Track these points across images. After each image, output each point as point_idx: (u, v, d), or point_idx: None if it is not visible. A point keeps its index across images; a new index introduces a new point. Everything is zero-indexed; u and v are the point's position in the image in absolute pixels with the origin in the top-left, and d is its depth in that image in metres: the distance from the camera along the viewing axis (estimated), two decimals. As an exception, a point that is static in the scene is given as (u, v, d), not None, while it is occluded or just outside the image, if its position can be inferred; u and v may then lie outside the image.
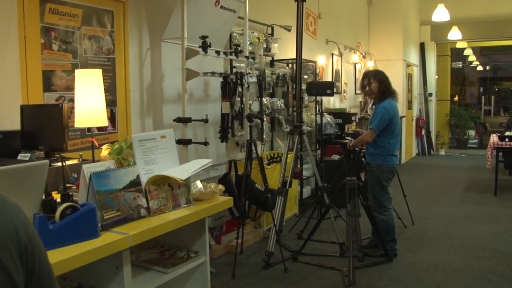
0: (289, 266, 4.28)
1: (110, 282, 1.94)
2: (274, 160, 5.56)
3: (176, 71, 4.17)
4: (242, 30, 5.10)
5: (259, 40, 5.65)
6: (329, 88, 5.76)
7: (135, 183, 2.02)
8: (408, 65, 11.68)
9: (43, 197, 1.87)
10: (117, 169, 2.00)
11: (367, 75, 4.69)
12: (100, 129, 3.66)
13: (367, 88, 4.61)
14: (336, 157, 6.53)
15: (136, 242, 1.86)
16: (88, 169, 1.90)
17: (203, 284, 2.48)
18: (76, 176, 2.34)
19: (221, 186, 2.46)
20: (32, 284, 0.84)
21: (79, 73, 2.70)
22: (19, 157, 2.85)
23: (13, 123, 3.00)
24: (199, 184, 2.40)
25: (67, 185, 2.30)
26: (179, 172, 2.12)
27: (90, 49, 3.74)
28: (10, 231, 0.81)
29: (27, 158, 2.81)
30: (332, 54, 8.63)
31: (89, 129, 3.54)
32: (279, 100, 6.02)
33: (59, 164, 2.60)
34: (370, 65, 10.49)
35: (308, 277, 4.10)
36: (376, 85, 4.53)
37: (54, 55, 3.46)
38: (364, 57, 10.31)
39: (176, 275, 2.29)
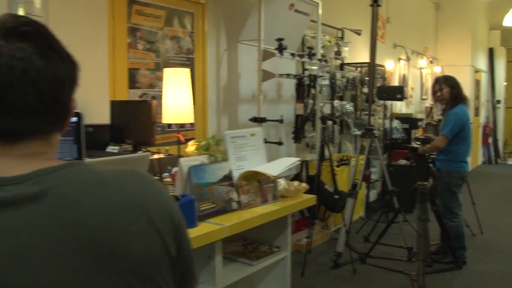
0: (358, 267, 4.28)
1: (201, 270, 2.02)
2: (343, 162, 5.55)
3: (252, 72, 4.25)
4: (315, 33, 5.13)
5: (330, 43, 5.67)
6: (399, 93, 5.69)
7: (227, 178, 2.10)
8: (476, 71, 11.34)
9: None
10: (212, 163, 2.08)
11: (438, 80, 4.61)
12: (180, 126, 3.78)
13: (438, 94, 4.53)
14: (403, 162, 6.46)
15: (231, 233, 1.94)
16: (185, 162, 1.99)
17: (283, 279, 2.54)
18: (170, 168, 2.44)
19: (305, 184, 2.50)
20: (179, 262, 0.91)
21: (167, 72, 2.81)
22: (107, 149, 2.99)
23: (102, 117, 3.15)
24: (283, 181, 2.45)
25: (157, 177, 2.40)
26: (270, 168, 2.19)
27: (171, 49, 3.88)
28: (167, 210, 0.88)
29: (116, 151, 2.95)
30: (399, 59, 8.51)
31: (169, 125, 3.67)
32: (348, 103, 6.01)
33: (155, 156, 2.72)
34: (437, 70, 10.26)
35: (376, 279, 4.08)
36: (448, 90, 4.45)
37: (139, 54, 3.61)
38: (431, 62, 10.10)
39: (260, 268, 2.36)
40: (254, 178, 2.22)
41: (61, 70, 0.84)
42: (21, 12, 2.93)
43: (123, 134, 3.02)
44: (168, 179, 2.33)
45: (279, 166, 2.24)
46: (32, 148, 0.83)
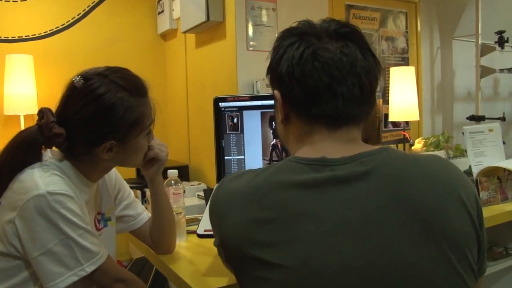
0: None
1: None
2: None
3: (467, 69, 4.10)
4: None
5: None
6: None
7: (467, 173, 2.08)
8: None
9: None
10: (452, 158, 2.09)
11: None
12: (394, 124, 3.80)
13: None
14: None
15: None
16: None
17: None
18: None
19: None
20: (481, 242, 0.96)
21: (393, 71, 2.87)
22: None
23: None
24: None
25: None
26: (512, 164, 2.12)
27: (386, 50, 3.92)
28: (473, 192, 0.95)
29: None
30: None
31: (385, 125, 3.73)
32: None
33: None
34: None
35: None
36: None
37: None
38: None
39: (495, 270, 2.28)
40: (494, 174, 2.16)
41: (373, 66, 0.96)
42: (259, 23, 3.25)
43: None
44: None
45: (522, 162, 2.15)
46: (351, 133, 0.96)
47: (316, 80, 0.92)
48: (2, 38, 3.66)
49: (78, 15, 3.91)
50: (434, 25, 4.23)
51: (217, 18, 3.24)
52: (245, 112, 1.56)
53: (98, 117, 1.27)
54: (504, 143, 3.97)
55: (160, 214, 1.53)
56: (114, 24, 4.01)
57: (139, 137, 1.34)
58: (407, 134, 2.85)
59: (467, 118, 3.96)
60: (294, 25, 1.02)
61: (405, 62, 4.02)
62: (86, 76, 1.29)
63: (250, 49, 3.20)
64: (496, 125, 2.30)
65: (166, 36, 4.21)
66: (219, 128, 1.59)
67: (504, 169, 2.13)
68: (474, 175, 2.11)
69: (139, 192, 2.61)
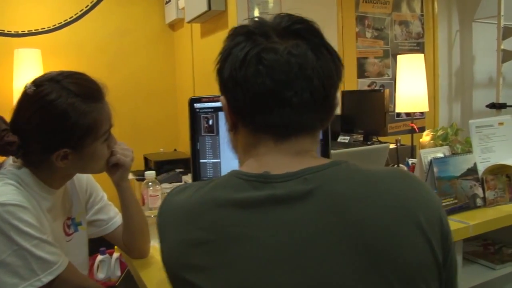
0: None
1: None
2: None
3: (488, 52, 3.89)
4: None
5: None
6: None
7: (472, 171, 1.94)
8: None
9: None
10: (455, 155, 1.95)
11: None
12: (407, 114, 3.66)
13: None
14: None
15: (475, 233, 1.79)
16: (425, 154, 1.90)
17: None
18: (407, 159, 2.37)
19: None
20: (445, 271, 0.85)
21: (401, 59, 2.73)
22: (338, 140, 3.04)
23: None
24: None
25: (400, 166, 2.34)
26: (523, 162, 1.96)
27: (400, 35, 3.76)
28: (436, 216, 0.82)
29: (346, 141, 2.98)
30: None
31: (398, 114, 3.58)
32: None
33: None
34: None
35: None
36: None
37: (367, 42, 3.58)
38: None
39: (505, 273, 2.14)
40: (502, 172, 2.01)
41: (330, 66, 0.84)
42: (256, 11, 3.14)
43: (353, 124, 3.03)
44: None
45: (533, 160, 1.99)
46: (301, 145, 0.85)
47: (260, 86, 0.80)
48: (12, 32, 3.65)
49: (86, 7, 3.87)
50: (452, 7, 4.04)
51: (219, 7, 3.15)
52: (220, 114, 1.47)
53: (49, 124, 1.22)
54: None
55: (130, 219, 1.48)
56: (122, 15, 3.96)
57: (95, 144, 1.29)
58: (414, 126, 2.71)
59: (487, 106, 3.77)
60: (245, 22, 0.90)
61: (420, 47, 3.85)
62: (38, 83, 1.24)
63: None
64: (508, 117, 2.14)
65: (174, 26, 4.15)
66: (194, 130, 1.50)
67: (515, 166, 1.99)
68: (480, 173, 1.97)
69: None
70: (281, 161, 0.83)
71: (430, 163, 1.84)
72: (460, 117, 4.07)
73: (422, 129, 3.13)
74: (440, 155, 1.92)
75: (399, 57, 2.73)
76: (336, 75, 0.86)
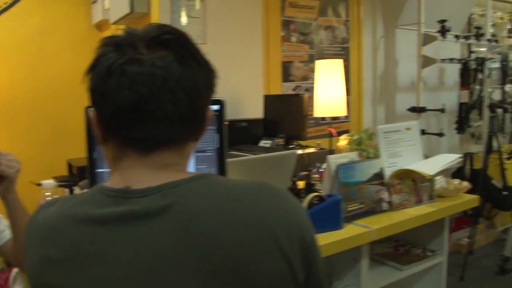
0: (529, 275, 3.84)
1: (347, 273, 1.96)
2: (515, 154, 5.02)
3: (411, 58, 4.02)
4: (483, 10, 4.68)
5: (502, 20, 5.13)
6: None
7: (378, 176, 1.99)
8: None
9: (290, 185, 1.97)
10: (362, 161, 2.00)
11: None
12: (333, 118, 3.72)
13: None
14: None
15: (378, 237, 1.84)
16: (333, 160, 1.93)
17: (437, 286, 2.35)
18: (319, 165, 2.41)
19: (466, 183, 2.29)
20: (308, 285, 0.85)
21: (319, 64, 2.76)
22: (260, 144, 3.05)
23: (257, 111, 3.22)
24: (442, 179, 2.27)
25: (306, 172, 2.38)
26: (426, 167, 2.03)
27: (325, 39, 3.82)
28: (298, 232, 0.82)
29: (268, 145, 3.00)
30: None
31: (323, 118, 3.63)
32: (524, 87, 5.41)
33: (299, 151, 2.72)
34: None
35: (554, 290, 3.64)
36: None
37: (293, 46, 3.62)
38: None
39: (411, 273, 2.21)
40: (408, 176, 2.08)
41: (198, 77, 0.83)
42: (183, 14, 3.11)
43: (275, 128, 3.06)
44: (316, 176, 2.29)
45: (436, 164, 2.07)
46: (166, 158, 0.83)
47: (123, 99, 0.78)
48: None
49: (5, 3, 3.71)
50: (377, 14, 4.14)
51: (142, 9, 3.09)
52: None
53: None
54: (443, 135, 3.94)
55: (19, 232, 1.42)
56: (44, 13, 3.83)
57: None
58: (332, 130, 2.76)
59: (408, 110, 3.89)
60: (117, 32, 0.87)
61: (345, 52, 3.93)
62: None
63: (176, 41, 3.06)
64: (414, 123, 2.22)
65: (101, 26, 4.04)
66: (91, 138, 1.46)
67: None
68: (386, 177, 2.03)
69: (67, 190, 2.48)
70: (144, 175, 0.81)
71: (337, 169, 1.87)
72: (384, 120, 4.18)
73: (347, 132, 3.18)
74: (347, 160, 1.96)
75: (317, 62, 2.77)
76: (206, 86, 0.85)
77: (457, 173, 4.35)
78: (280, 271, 0.78)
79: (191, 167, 1.41)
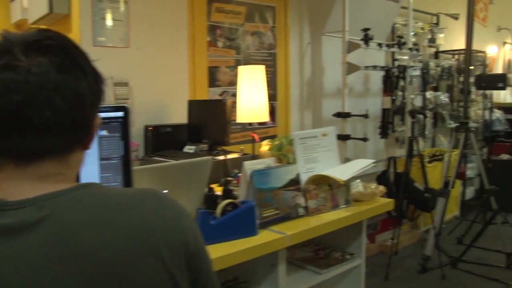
0: (447, 273, 4.00)
1: (265, 278, 1.96)
2: (436, 158, 5.24)
3: (337, 65, 4.11)
4: (406, 20, 4.87)
5: (423, 30, 5.35)
6: (500, 81, 5.23)
7: (294, 182, 2.00)
8: None
9: (206, 192, 1.95)
10: (277, 167, 2.01)
11: None
12: (260, 123, 3.74)
13: None
14: (505, 156, 5.98)
15: (293, 243, 1.85)
16: (249, 166, 1.93)
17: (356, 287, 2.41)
18: (237, 171, 2.40)
19: (382, 188, 2.35)
20: None
21: (242, 69, 2.76)
22: (184, 149, 3.02)
23: (181, 117, 3.18)
24: (359, 184, 2.32)
25: (228, 178, 2.37)
26: (340, 172, 2.07)
27: (252, 45, 3.84)
28: (180, 240, 0.81)
29: (192, 151, 2.98)
30: (504, 43, 7.87)
31: (250, 123, 3.64)
32: (443, 94, 5.66)
33: (221, 157, 2.71)
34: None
35: (468, 286, 3.80)
36: None
37: (219, 51, 3.61)
38: (544, 45, 9.24)
39: (330, 277, 2.25)
40: (324, 181, 2.11)
41: (81, 85, 0.79)
42: (108, 17, 3.03)
43: (200, 133, 3.03)
44: (235, 182, 2.29)
45: (350, 169, 2.11)
46: (46, 169, 0.79)
47: None
48: None
49: None
50: (304, 20, 4.21)
51: (62, 10, 3.00)
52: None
53: None
54: (367, 140, 4.05)
55: None
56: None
57: None
58: (255, 136, 2.76)
59: (333, 115, 3.98)
60: None
61: (272, 58, 3.96)
62: None
63: (97, 45, 2.99)
64: (331, 129, 2.26)
65: (20, 26, 3.88)
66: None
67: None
68: (302, 183, 2.05)
69: None
70: (21, 187, 0.77)
71: (251, 175, 1.87)
72: (312, 125, 4.25)
73: (274, 138, 3.19)
74: (263, 166, 1.97)
75: (240, 68, 2.77)
76: (91, 94, 0.82)
77: (381, 176, 4.50)
78: (160, 282, 0.77)
79: (95, 175, 1.37)
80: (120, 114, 1.37)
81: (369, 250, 4.47)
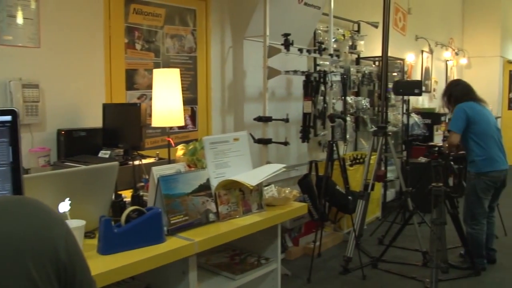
0: (368, 273, 4.10)
1: (177, 286, 1.91)
2: (357, 161, 5.37)
3: (258, 69, 4.12)
4: (327, 27, 4.96)
5: (344, 37, 5.48)
6: (416, 88, 5.47)
7: (204, 187, 1.97)
8: (510, 62, 10.83)
9: (113, 198, 1.88)
10: (186, 172, 1.96)
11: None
12: (180, 127, 3.68)
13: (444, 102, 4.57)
14: (423, 159, 6.22)
15: (202, 249, 1.81)
16: (157, 171, 1.88)
17: (273, 292, 2.40)
18: (147, 177, 2.34)
19: (295, 192, 2.36)
20: None
21: (157, 73, 2.71)
22: (100, 154, 2.91)
23: (97, 121, 3.07)
24: (272, 188, 2.32)
25: (140, 184, 2.30)
26: (250, 177, 2.05)
27: (172, 48, 3.77)
28: (49, 249, 0.77)
29: (107, 156, 2.87)
30: (422, 51, 8.23)
31: (171, 127, 3.57)
32: (364, 99, 5.83)
33: (136, 162, 2.63)
34: (464, 62, 9.93)
35: (387, 286, 3.91)
36: (446, 101, 4.46)
37: (137, 54, 3.52)
38: (456, 54, 9.74)
39: (244, 282, 2.23)
40: (236, 186, 2.09)
41: None
42: (17, 14, 2.87)
43: (115, 138, 2.93)
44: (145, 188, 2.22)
45: (260, 174, 2.10)
46: None
47: None
48: None
49: None
50: (226, 24, 4.19)
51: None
52: None
53: None
54: (287, 144, 4.08)
55: None
56: None
57: None
58: (171, 140, 2.71)
59: (254, 119, 3.98)
60: None
61: (193, 61, 3.92)
62: None
63: (4, 43, 2.83)
64: (243, 133, 2.24)
65: None
66: None
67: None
68: (213, 188, 2.02)
69: None
70: None
71: (158, 181, 1.82)
72: (234, 129, 4.23)
73: (190, 142, 3.14)
74: (172, 172, 1.92)
75: (154, 71, 2.70)
76: None
77: (303, 180, 4.56)
78: None
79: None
80: (7, 118, 1.28)
81: (293, 253, 4.52)
